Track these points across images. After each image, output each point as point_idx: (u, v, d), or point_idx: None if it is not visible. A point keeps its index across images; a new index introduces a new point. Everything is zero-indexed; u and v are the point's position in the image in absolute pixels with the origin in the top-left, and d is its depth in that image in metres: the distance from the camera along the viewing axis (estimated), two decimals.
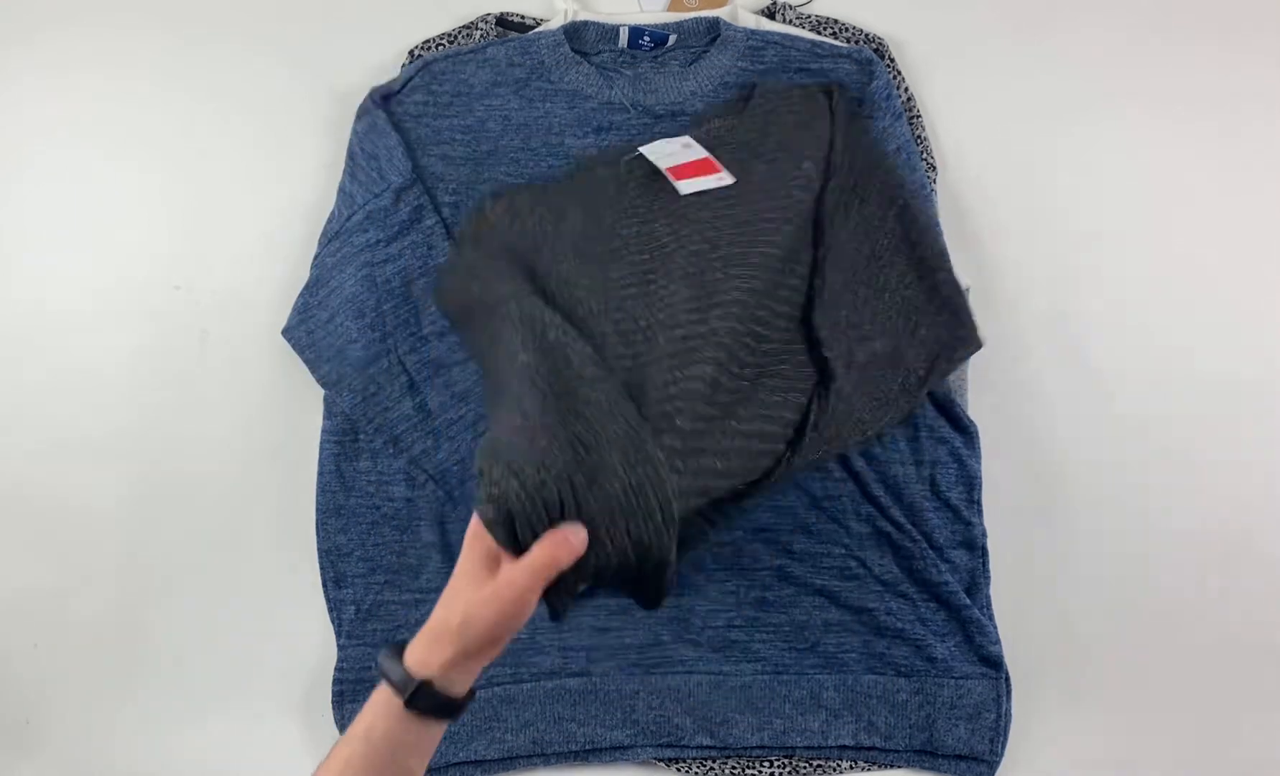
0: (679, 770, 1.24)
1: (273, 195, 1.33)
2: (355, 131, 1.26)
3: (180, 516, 1.30)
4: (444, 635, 0.87)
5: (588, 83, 1.27)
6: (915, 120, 1.31)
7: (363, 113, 1.26)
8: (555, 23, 1.31)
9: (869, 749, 1.23)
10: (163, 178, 1.34)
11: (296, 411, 1.30)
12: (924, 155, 1.30)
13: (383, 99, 1.26)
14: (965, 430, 1.25)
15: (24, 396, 1.31)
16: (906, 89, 1.32)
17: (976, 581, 1.24)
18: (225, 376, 1.31)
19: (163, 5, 1.36)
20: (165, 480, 1.30)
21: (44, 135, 1.34)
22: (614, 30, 1.29)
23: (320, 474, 1.25)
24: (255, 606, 1.29)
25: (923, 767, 1.23)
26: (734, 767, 1.24)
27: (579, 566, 0.90)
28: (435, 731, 0.89)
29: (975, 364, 1.28)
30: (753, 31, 1.28)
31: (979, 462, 1.25)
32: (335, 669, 1.23)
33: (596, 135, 1.27)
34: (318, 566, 1.25)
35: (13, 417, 1.31)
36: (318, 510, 1.25)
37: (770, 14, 1.34)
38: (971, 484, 1.25)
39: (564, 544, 0.88)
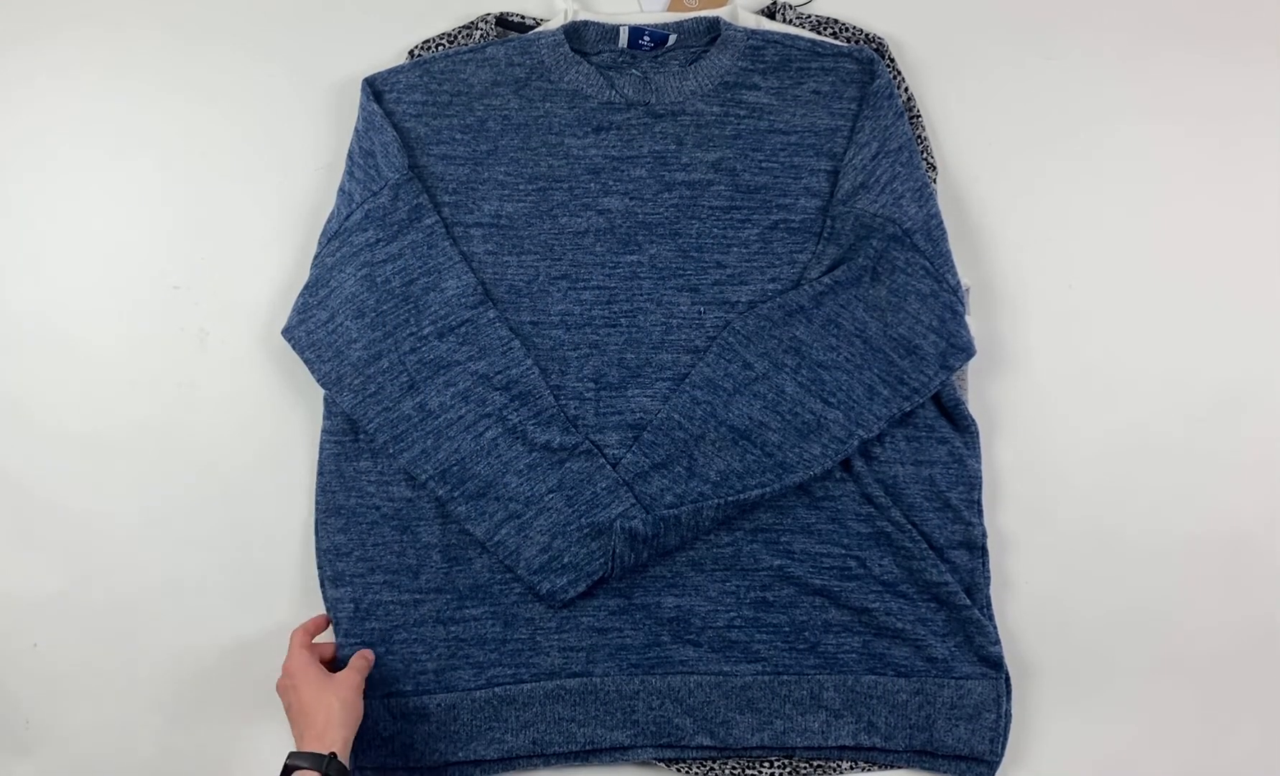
0: (679, 770, 1.24)
1: (273, 195, 1.33)
2: (354, 130, 1.26)
3: (180, 516, 1.30)
4: (330, 722, 1.12)
5: (588, 82, 1.27)
6: (915, 120, 1.31)
7: (360, 107, 1.26)
8: (555, 23, 1.31)
9: (869, 749, 1.23)
10: (163, 178, 1.34)
11: (296, 411, 1.30)
12: (924, 155, 1.30)
13: (375, 95, 1.26)
14: (966, 430, 1.25)
15: (24, 396, 1.31)
16: (907, 89, 1.32)
17: (976, 581, 1.24)
18: (225, 376, 1.31)
19: (163, 6, 1.36)
20: (165, 480, 1.30)
21: (44, 136, 1.35)
22: (614, 30, 1.28)
23: (320, 473, 1.25)
24: (255, 606, 1.29)
25: (923, 768, 1.23)
26: (734, 768, 1.24)
27: None
28: None
29: (975, 364, 1.28)
30: (753, 31, 1.28)
31: (979, 463, 1.25)
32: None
33: (596, 135, 1.27)
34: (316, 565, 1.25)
35: (13, 417, 1.31)
36: (317, 509, 1.25)
37: (770, 14, 1.34)
38: (972, 484, 1.25)
39: (365, 658, 1.21)
